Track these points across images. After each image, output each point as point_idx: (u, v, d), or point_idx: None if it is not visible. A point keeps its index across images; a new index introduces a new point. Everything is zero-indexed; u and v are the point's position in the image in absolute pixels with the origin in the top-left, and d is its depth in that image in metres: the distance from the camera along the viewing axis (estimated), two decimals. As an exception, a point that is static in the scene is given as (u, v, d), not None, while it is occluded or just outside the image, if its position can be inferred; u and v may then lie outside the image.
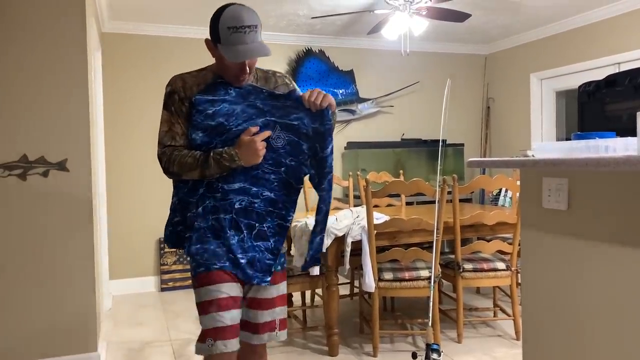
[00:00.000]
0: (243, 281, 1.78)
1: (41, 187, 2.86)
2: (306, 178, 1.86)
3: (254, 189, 1.76)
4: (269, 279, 1.81)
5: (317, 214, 1.84)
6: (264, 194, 1.77)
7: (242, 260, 1.75)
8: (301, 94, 1.77)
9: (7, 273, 2.82)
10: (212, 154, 1.68)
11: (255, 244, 1.77)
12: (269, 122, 1.75)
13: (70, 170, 2.90)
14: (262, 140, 1.72)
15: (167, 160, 1.72)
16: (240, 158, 1.69)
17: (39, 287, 2.86)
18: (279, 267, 1.87)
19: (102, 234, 4.07)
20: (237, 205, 1.74)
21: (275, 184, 1.78)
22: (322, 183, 1.79)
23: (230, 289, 1.73)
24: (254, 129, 1.72)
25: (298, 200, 1.88)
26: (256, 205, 1.76)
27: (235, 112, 1.73)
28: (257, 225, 1.77)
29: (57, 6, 2.86)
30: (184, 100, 1.72)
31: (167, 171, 1.74)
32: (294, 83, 1.91)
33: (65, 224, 2.90)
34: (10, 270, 2.82)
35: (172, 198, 1.82)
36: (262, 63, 1.79)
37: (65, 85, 2.88)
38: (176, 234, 1.82)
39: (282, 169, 1.78)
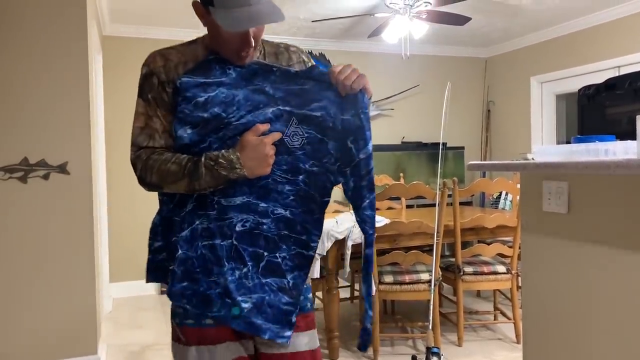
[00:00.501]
0: (249, 335, 1.30)
1: (42, 190, 2.86)
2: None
3: (262, 204, 1.30)
4: (289, 333, 1.29)
5: (366, 246, 1.34)
6: (276, 211, 1.31)
7: (245, 305, 1.26)
8: (328, 69, 1.30)
9: (7, 276, 2.82)
10: (203, 159, 1.23)
11: (263, 281, 1.30)
12: (282, 112, 1.29)
13: (71, 173, 2.90)
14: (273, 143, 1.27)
15: (144, 167, 1.26)
16: (244, 166, 1.23)
17: (39, 289, 2.86)
18: (309, 305, 1.39)
19: (102, 237, 4.07)
20: (238, 227, 1.28)
21: (292, 197, 1.32)
22: (363, 198, 1.31)
23: (226, 353, 1.28)
24: (263, 127, 1.25)
25: None
26: (265, 227, 1.30)
27: (236, 99, 1.27)
28: (265, 254, 1.30)
29: (58, 9, 2.87)
30: (166, 85, 1.27)
31: (143, 181, 1.28)
32: (312, 61, 1.43)
33: (66, 227, 2.90)
34: (10, 273, 2.82)
35: (155, 217, 1.36)
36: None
37: (66, 88, 2.89)
38: (156, 265, 1.35)
39: (301, 177, 1.31)
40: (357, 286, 4.04)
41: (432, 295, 2.96)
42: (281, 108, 1.29)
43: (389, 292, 3.14)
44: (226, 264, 1.27)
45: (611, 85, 1.86)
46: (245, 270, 1.29)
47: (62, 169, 2.89)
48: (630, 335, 1.39)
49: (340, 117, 1.30)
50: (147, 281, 1.36)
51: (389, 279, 3.13)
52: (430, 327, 2.78)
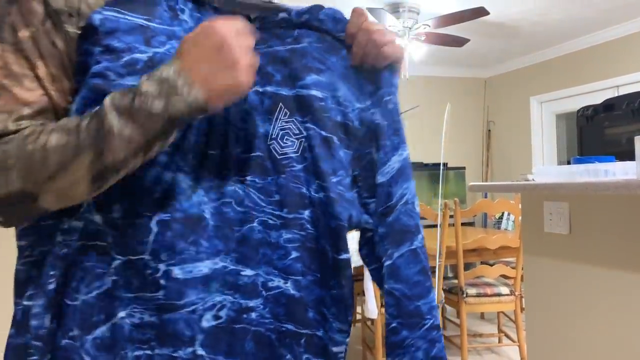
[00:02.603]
0: None
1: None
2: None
3: (247, 272, 0.66)
4: None
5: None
6: (270, 284, 0.68)
7: None
8: (343, 16, 0.75)
9: (3, 290, 2.80)
10: (109, 99, 0.56)
11: None
12: (260, 97, 0.70)
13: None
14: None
15: None
16: (194, 79, 0.57)
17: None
18: None
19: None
20: (207, 322, 0.64)
21: (294, 254, 0.69)
22: (384, 256, 0.75)
23: None
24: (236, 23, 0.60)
25: None
26: (254, 316, 0.66)
27: None
28: None
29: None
30: (65, 18, 0.61)
31: None
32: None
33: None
34: (5, 288, 2.81)
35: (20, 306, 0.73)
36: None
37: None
38: None
39: (306, 212, 0.69)
40: (359, 309, 4.00)
41: (435, 317, 2.93)
42: (259, 89, 0.69)
43: (392, 315, 3.10)
44: None
45: (609, 106, 1.87)
46: None
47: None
48: (633, 356, 1.36)
49: (357, 106, 0.75)
50: None
51: (391, 301, 3.10)
52: (434, 351, 2.74)
